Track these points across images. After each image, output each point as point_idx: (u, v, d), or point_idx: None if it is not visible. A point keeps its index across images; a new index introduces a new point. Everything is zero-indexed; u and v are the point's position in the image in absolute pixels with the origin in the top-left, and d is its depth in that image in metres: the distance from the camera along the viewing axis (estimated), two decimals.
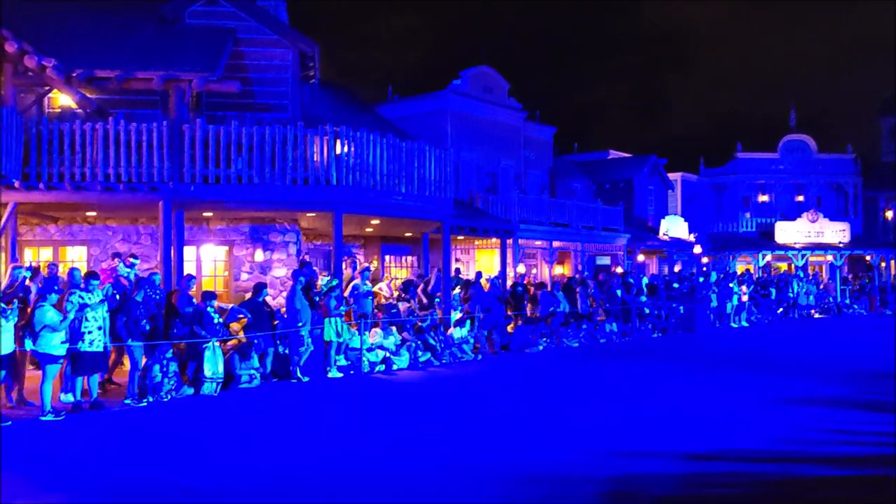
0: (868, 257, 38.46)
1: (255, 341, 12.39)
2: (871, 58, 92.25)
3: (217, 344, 11.64)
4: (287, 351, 12.89)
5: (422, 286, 17.57)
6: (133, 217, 15.10)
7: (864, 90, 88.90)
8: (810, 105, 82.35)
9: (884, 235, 40.98)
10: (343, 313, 14.01)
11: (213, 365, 11.47)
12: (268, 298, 13.52)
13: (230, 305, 13.60)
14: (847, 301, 32.53)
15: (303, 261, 14.98)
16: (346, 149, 14.53)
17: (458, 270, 21.01)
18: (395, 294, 17.49)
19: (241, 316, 12.70)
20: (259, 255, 15.72)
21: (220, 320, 12.33)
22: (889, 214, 42.11)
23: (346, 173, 14.40)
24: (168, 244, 13.52)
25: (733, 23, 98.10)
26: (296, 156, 14.14)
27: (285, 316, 13.21)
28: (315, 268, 16.33)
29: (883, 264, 38.52)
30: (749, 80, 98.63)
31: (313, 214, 15.27)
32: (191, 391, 11.30)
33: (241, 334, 12.52)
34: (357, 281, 15.34)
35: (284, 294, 14.37)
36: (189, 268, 14.83)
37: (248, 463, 7.35)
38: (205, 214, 15.10)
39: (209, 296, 12.42)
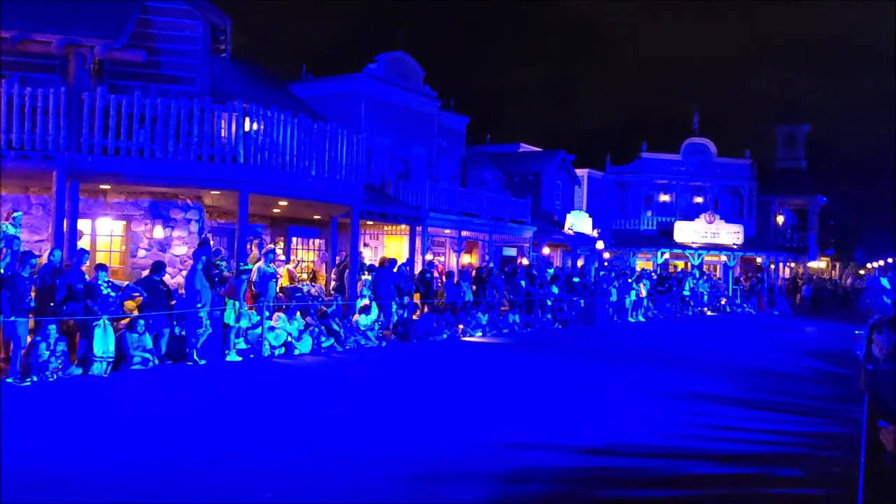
0: (759, 259, 40.36)
1: (150, 321, 11.97)
2: (774, 65, 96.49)
3: (109, 322, 11.20)
4: (184, 332, 12.52)
5: (335, 271, 17.44)
6: (24, 186, 14.33)
7: (765, 97, 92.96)
8: (714, 108, 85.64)
9: (774, 239, 43.10)
10: (245, 295, 13.72)
11: (103, 344, 11.02)
12: (166, 277, 13.09)
13: (125, 283, 13.11)
14: (738, 300, 34.03)
15: (204, 239, 14.56)
16: (255, 127, 14.19)
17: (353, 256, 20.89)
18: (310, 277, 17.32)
19: (137, 294, 12.26)
20: (158, 232, 15.19)
21: (114, 295, 11.87)
22: (780, 219, 44.29)
23: (254, 152, 14.07)
24: (61, 216, 12.91)
25: (646, 18, 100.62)
26: (202, 131, 13.71)
27: (183, 296, 12.83)
28: (220, 248, 15.95)
29: (772, 266, 40.51)
30: (658, 78, 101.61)
31: (218, 192, 14.85)
32: (79, 371, 10.83)
33: (136, 313, 12.08)
34: (262, 263, 15.03)
35: (184, 273, 13.94)
36: (83, 242, 14.19)
37: (130, 449, 7.09)
38: (102, 187, 14.46)
39: (100, 267, 11.94)
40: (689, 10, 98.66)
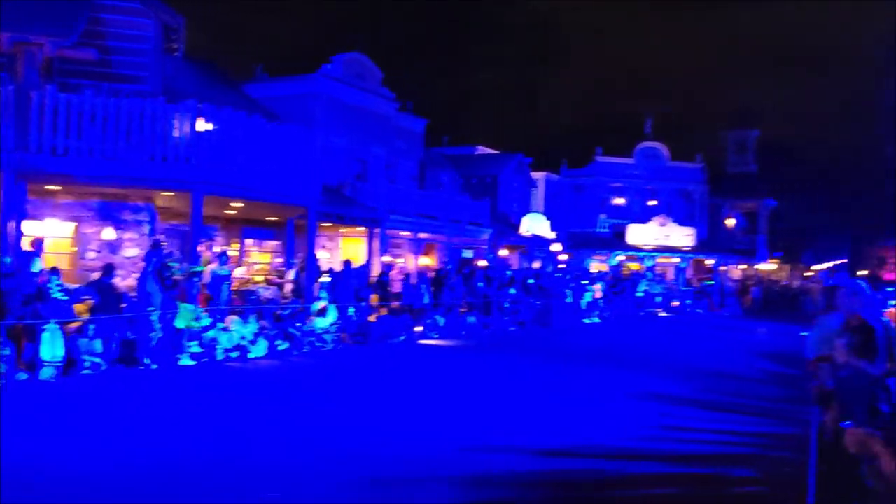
0: (710, 261, 41.08)
1: (101, 325, 11.71)
2: (733, 69, 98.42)
3: (58, 326, 10.92)
4: (135, 337, 12.27)
5: (294, 271, 17.31)
6: None
7: (723, 102, 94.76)
8: (672, 112, 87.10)
9: (725, 241, 43.92)
10: (197, 298, 13.51)
11: (51, 348, 10.75)
12: (116, 280, 12.83)
13: (75, 286, 12.81)
14: (689, 301, 34.57)
15: (156, 241, 14.30)
16: (209, 127, 13.99)
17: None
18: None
19: (87, 298, 11.99)
20: (109, 234, 14.88)
21: (65, 298, 11.59)
22: (730, 222, 45.13)
23: (207, 152, 13.87)
24: (8, 218, 12.56)
25: (607, 22, 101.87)
26: (154, 131, 13.48)
27: (134, 299, 12.58)
28: (173, 250, 15.69)
29: (723, 268, 41.25)
30: (616, 82, 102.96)
31: (171, 193, 14.61)
32: (25, 376, 10.54)
33: (87, 317, 11.81)
34: (215, 266, 14.83)
35: (135, 276, 13.67)
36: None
37: (77, 452, 6.93)
38: (51, 188, 14.11)
39: (52, 271, 11.67)
40: (649, 15, 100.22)
